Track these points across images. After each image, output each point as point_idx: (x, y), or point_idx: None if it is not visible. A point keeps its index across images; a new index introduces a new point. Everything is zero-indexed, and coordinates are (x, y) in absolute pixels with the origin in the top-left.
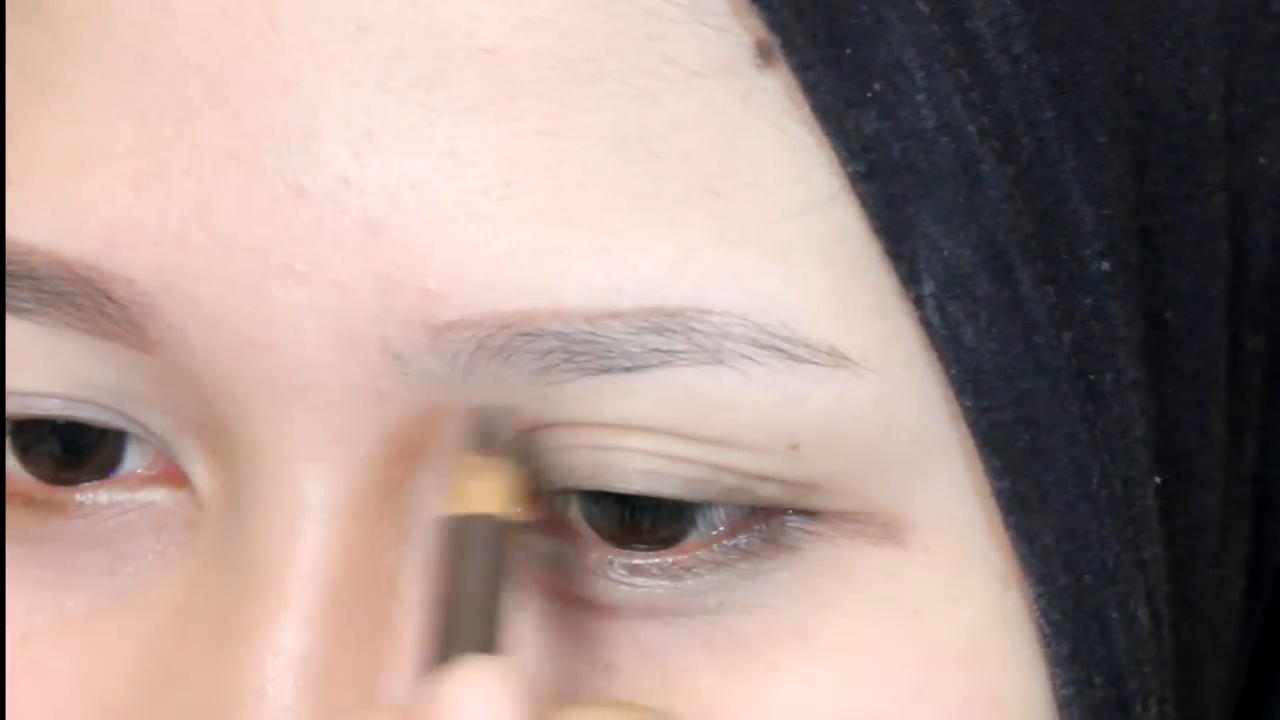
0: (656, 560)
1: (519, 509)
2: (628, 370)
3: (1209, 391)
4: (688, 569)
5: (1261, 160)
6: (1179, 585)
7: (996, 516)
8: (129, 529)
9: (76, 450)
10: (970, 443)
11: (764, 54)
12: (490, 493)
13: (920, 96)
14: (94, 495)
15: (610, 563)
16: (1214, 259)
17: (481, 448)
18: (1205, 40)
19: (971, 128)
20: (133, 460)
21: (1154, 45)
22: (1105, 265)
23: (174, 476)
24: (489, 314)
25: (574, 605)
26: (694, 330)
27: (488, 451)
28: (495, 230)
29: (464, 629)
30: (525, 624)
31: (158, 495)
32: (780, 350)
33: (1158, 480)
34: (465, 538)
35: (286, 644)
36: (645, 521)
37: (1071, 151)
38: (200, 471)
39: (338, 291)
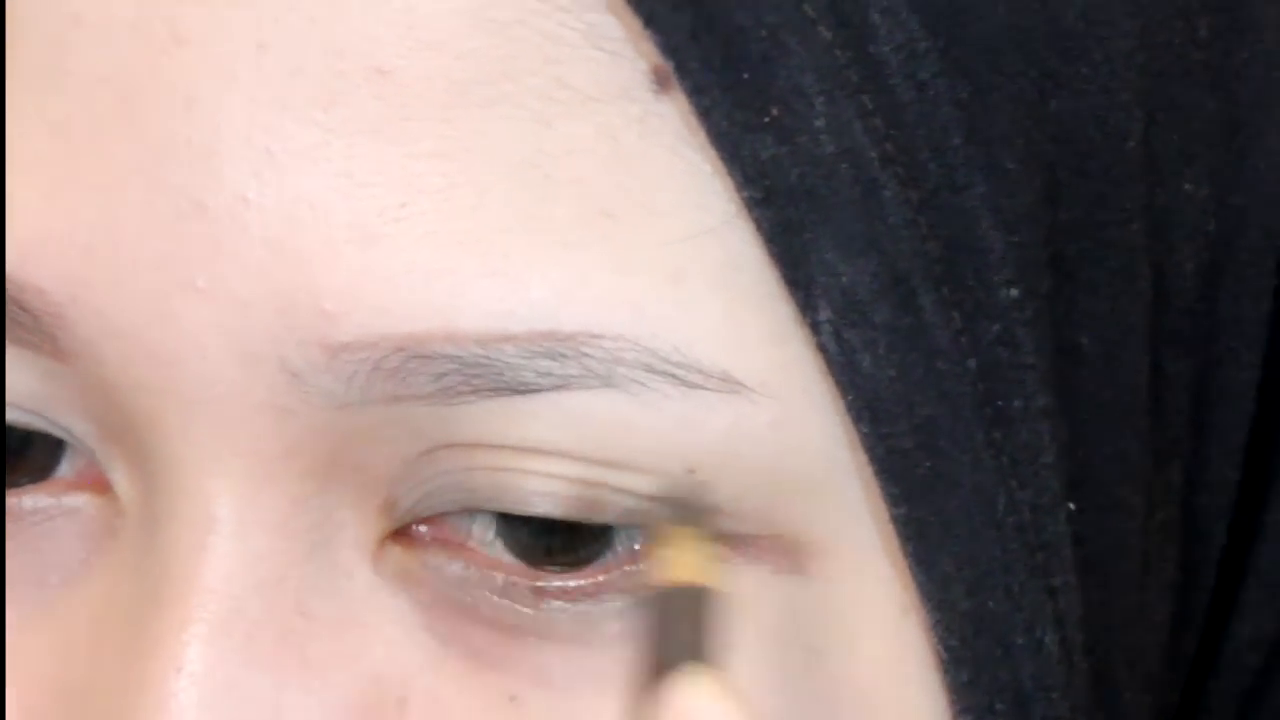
0: (559, 584)
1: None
2: (522, 393)
3: (1127, 418)
4: (589, 594)
5: (1187, 187)
6: (1095, 611)
7: (897, 544)
8: (54, 535)
9: (14, 453)
10: (870, 469)
11: (660, 79)
12: (700, 565)
13: (819, 122)
14: (19, 501)
15: (515, 585)
16: (1132, 285)
17: (683, 519)
18: (1125, 66)
19: (873, 154)
20: (65, 466)
21: (1069, 71)
22: (1014, 292)
23: (98, 482)
24: (383, 336)
25: (479, 629)
26: (586, 355)
27: (689, 522)
28: (389, 252)
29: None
30: (432, 650)
31: (82, 501)
32: (673, 375)
33: (1071, 506)
34: (686, 609)
35: (190, 659)
36: (557, 543)
37: (980, 178)
38: (121, 478)
39: (238, 309)
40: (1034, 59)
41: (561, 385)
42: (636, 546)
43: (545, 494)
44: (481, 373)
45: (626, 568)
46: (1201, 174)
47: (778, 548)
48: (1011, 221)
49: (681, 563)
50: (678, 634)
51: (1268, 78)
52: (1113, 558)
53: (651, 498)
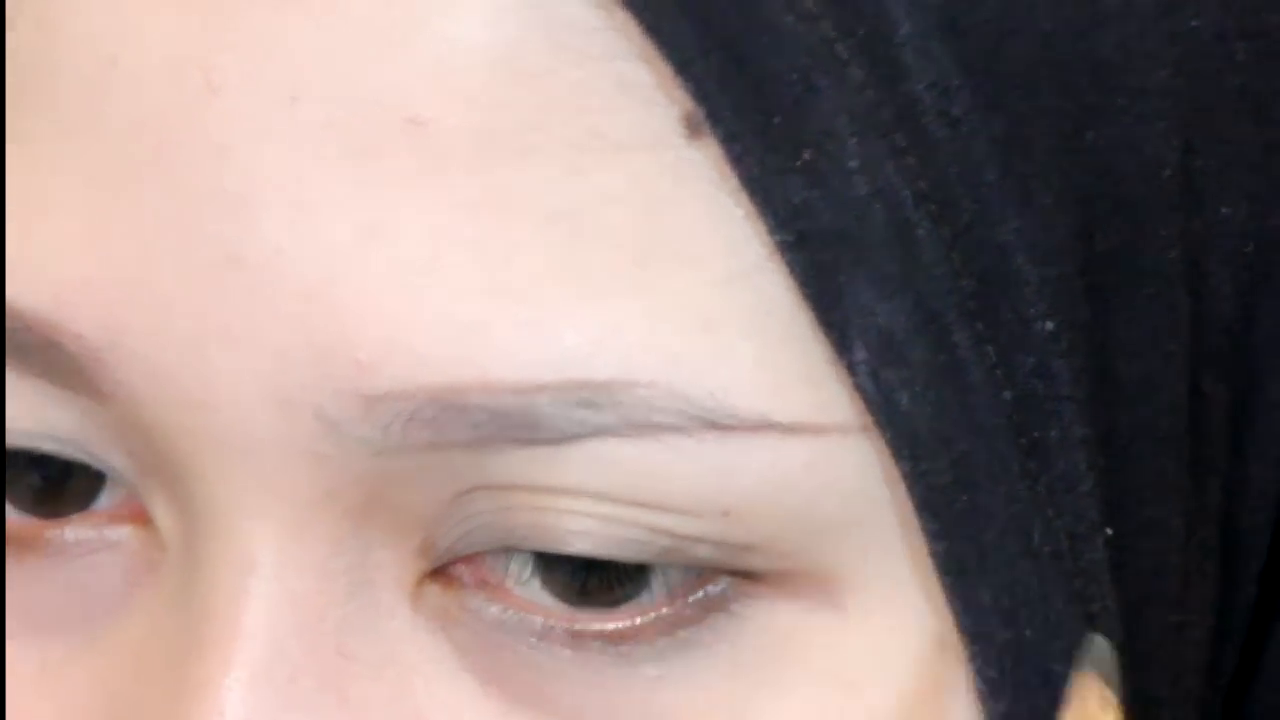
0: (597, 626)
1: None
2: (558, 442)
3: (1166, 441)
4: (627, 637)
5: (1224, 210)
6: (1134, 633)
7: (933, 577)
8: (97, 568)
9: (55, 481)
10: (906, 504)
11: (691, 126)
12: None
13: (852, 163)
14: (62, 532)
15: (553, 629)
16: (1169, 312)
17: None
18: (1162, 95)
19: (906, 193)
20: (106, 498)
21: (1106, 103)
22: (1049, 325)
23: (139, 514)
24: (419, 387)
25: (518, 671)
26: (620, 403)
27: None
28: (424, 303)
29: None
30: (472, 690)
31: (124, 533)
32: (708, 421)
33: (1109, 532)
34: None
35: (232, 703)
36: (593, 582)
37: (1014, 212)
38: (161, 512)
39: (274, 358)
40: (1069, 91)
41: (597, 433)
42: (675, 587)
43: (581, 533)
44: (516, 422)
45: (664, 610)
46: (1240, 197)
47: (815, 583)
48: (1046, 255)
49: None
50: None
51: None
52: (1152, 580)
53: (677, 535)
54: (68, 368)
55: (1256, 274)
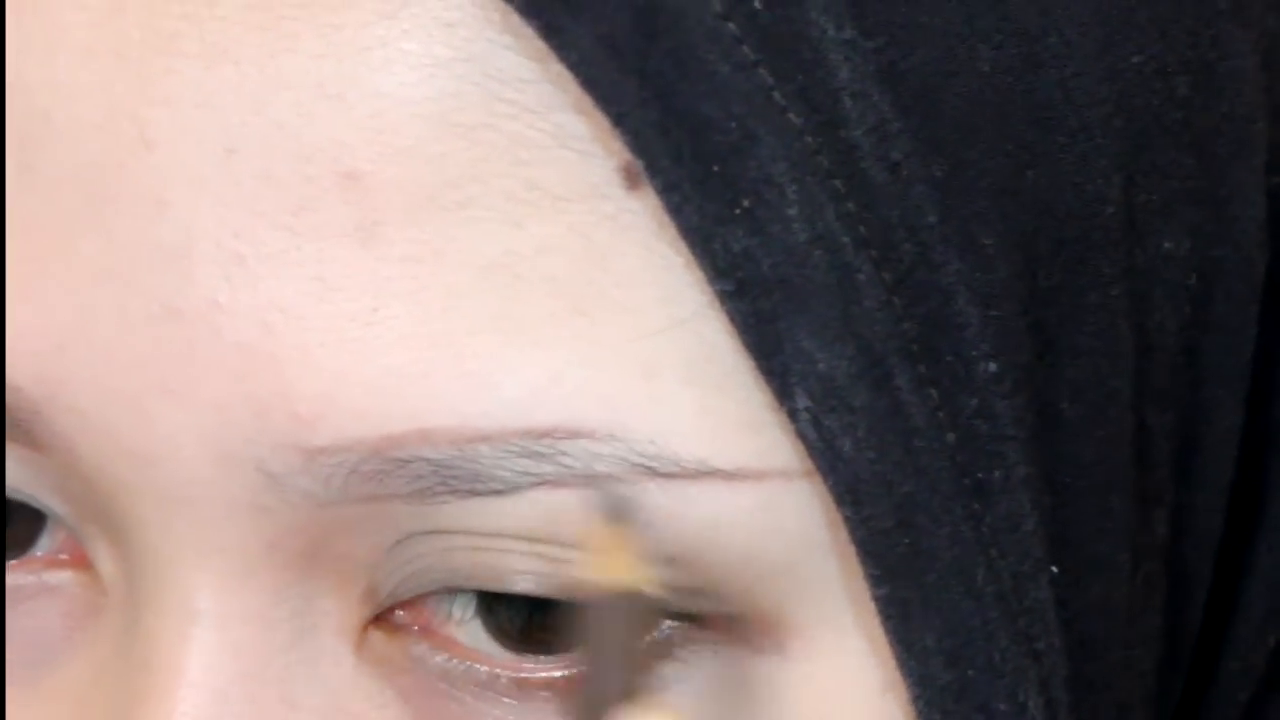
0: (544, 675)
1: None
2: (500, 493)
3: (1110, 477)
4: (574, 685)
5: (1166, 245)
6: (1081, 668)
7: (876, 620)
8: (37, 614)
9: None
10: (849, 548)
11: (629, 176)
12: (632, 566)
13: (792, 210)
14: None
15: (498, 678)
16: (1113, 348)
17: (614, 520)
18: (1102, 133)
19: (847, 238)
20: (46, 540)
21: (1046, 142)
22: (992, 366)
23: (80, 558)
24: (359, 440)
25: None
26: (562, 453)
27: (619, 523)
28: (363, 356)
29: (614, 698)
30: None
31: (64, 578)
32: (650, 468)
33: (1054, 570)
34: (613, 613)
35: None
36: (535, 624)
37: (956, 255)
38: (102, 558)
39: (213, 412)
40: (1009, 132)
41: (538, 484)
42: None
43: (524, 573)
44: (458, 473)
45: None
46: (1182, 230)
47: (759, 628)
48: (988, 296)
49: (614, 565)
50: (613, 654)
51: (1247, 130)
52: (1098, 615)
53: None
54: (5, 419)
55: (1199, 306)
